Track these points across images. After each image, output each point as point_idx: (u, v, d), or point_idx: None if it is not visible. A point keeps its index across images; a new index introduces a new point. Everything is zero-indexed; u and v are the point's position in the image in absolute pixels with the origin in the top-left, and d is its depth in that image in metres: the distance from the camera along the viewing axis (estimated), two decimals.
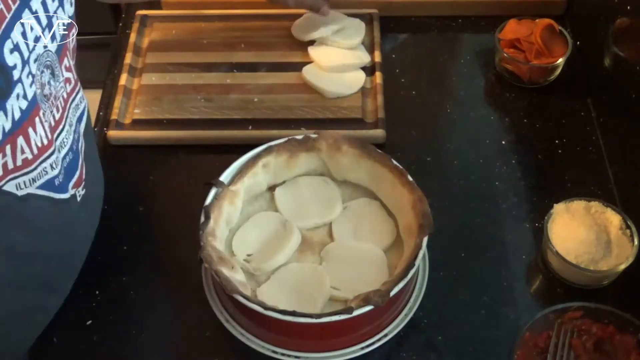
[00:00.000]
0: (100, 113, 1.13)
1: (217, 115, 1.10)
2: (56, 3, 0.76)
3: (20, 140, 0.71)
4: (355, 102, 1.12)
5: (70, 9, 0.80)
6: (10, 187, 0.73)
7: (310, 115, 1.10)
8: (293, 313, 0.79)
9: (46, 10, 0.74)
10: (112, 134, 1.08)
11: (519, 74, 1.14)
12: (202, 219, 0.86)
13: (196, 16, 1.25)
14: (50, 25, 0.75)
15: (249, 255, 0.90)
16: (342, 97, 1.12)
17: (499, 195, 1.03)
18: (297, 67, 1.16)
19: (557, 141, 1.09)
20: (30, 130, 0.72)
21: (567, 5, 1.25)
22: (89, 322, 0.90)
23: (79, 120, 0.86)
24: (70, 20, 0.79)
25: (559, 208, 0.94)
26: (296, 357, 0.85)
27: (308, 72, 1.15)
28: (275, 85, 1.14)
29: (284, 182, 0.97)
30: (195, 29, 1.23)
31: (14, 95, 0.68)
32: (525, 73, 1.13)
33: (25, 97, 0.70)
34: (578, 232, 0.92)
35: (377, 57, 1.17)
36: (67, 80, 0.81)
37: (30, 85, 0.71)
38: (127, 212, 1.01)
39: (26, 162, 0.73)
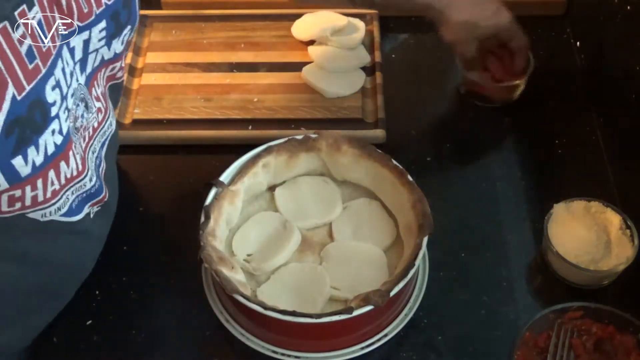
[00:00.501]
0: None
1: (217, 115, 1.10)
2: (102, 42, 0.76)
3: (52, 174, 0.71)
4: (355, 102, 1.12)
5: (119, 47, 0.80)
6: (35, 215, 0.73)
7: (310, 115, 1.10)
8: (293, 313, 0.79)
9: (86, 47, 0.73)
10: None
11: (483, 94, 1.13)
12: (202, 219, 0.86)
13: (196, 16, 1.25)
14: (84, 60, 0.74)
15: (249, 255, 0.90)
16: (342, 97, 1.12)
17: (499, 195, 1.03)
18: (297, 67, 1.16)
19: (557, 141, 1.09)
20: (63, 163, 0.72)
21: (567, 5, 1.25)
22: (89, 322, 0.90)
23: (102, 145, 0.86)
24: (110, 56, 0.79)
25: (559, 208, 0.94)
26: (296, 357, 0.85)
27: (308, 72, 1.15)
28: (275, 85, 1.14)
29: (284, 182, 0.97)
30: (195, 29, 1.23)
31: (48, 130, 0.68)
32: (492, 93, 1.12)
33: (60, 132, 0.70)
34: (578, 232, 0.92)
35: (377, 57, 1.17)
36: (99, 110, 0.81)
37: (66, 120, 0.71)
38: (127, 212, 1.01)
39: (54, 193, 0.73)
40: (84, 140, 0.78)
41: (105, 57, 0.79)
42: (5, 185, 0.65)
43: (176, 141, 1.08)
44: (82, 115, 0.76)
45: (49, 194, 0.72)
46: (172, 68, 1.17)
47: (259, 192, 0.95)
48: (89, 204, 0.83)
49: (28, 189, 0.69)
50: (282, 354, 0.85)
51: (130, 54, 1.17)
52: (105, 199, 0.86)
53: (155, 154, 1.08)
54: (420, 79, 1.18)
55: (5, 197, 0.67)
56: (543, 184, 1.05)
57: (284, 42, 1.21)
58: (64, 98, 0.70)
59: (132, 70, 1.16)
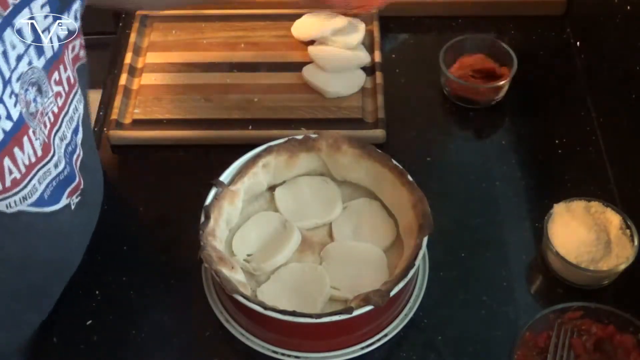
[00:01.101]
0: (100, 113, 1.13)
1: (217, 115, 1.10)
2: (49, 19, 0.73)
3: (7, 162, 0.69)
4: (355, 102, 1.12)
5: (73, 23, 0.77)
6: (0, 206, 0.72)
7: (310, 115, 1.10)
8: (293, 313, 0.79)
9: (34, 28, 0.71)
10: (112, 134, 1.08)
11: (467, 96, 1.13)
12: (202, 219, 0.86)
13: (196, 16, 1.25)
14: (38, 41, 0.72)
15: (249, 255, 0.90)
16: (342, 97, 1.12)
17: (499, 195, 1.03)
18: (297, 67, 1.16)
19: (557, 141, 1.09)
20: (16, 150, 0.70)
21: (567, 5, 1.25)
22: (89, 322, 0.90)
23: (75, 131, 0.84)
24: (65, 33, 0.76)
25: (559, 208, 0.94)
26: (296, 357, 0.85)
27: (308, 72, 1.15)
28: (275, 85, 1.14)
29: (284, 182, 0.97)
30: (195, 29, 1.23)
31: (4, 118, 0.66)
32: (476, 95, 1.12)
33: (9, 117, 0.68)
34: (578, 232, 0.92)
35: (377, 57, 1.17)
36: (58, 94, 0.77)
37: (15, 105, 0.69)
38: (127, 212, 1.01)
39: (15, 182, 0.71)
40: (45, 125, 0.75)
41: (61, 36, 0.75)
42: None
43: (176, 141, 1.08)
44: (35, 100, 0.72)
45: (8, 183, 0.70)
46: (172, 68, 1.17)
47: (259, 192, 0.95)
48: (66, 192, 0.82)
49: None
50: (282, 354, 0.85)
51: (130, 54, 1.17)
52: (81, 186, 0.85)
53: (155, 154, 1.08)
54: (420, 79, 1.18)
55: None
56: (543, 184, 1.05)
57: (284, 42, 1.21)
58: (6, 82, 0.67)
59: (132, 70, 1.16)
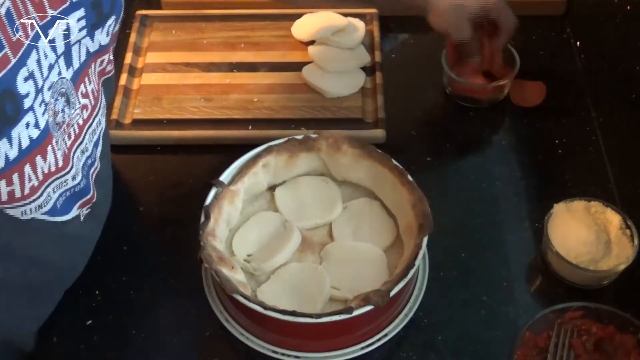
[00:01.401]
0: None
1: (217, 115, 1.10)
2: (83, 32, 0.74)
3: (28, 169, 0.69)
4: (355, 102, 1.12)
5: (105, 39, 0.77)
6: (15, 212, 0.72)
7: (310, 115, 1.10)
8: (293, 313, 0.79)
9: (66, 38, 0.71)
10: (112, 134, 1.08)
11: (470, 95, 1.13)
12: (202, 219, 0.86)
13: (196, 16, 1.25)
14: (68, 53, 0.72)
15: (249, 255, 0.90)
16: (342, 97, 1.12)
17: (499, 195, 1.03)
18: (297, 67, 1.16)
19: (557, 141, 1.09)
20: (39, 158, 0.71)
21: (567, 5, 1.25)
22: (89, 322, 0.90)
23: (96, 145, 0.84)
24: (96, 48, 0.77)
25: (559, 208, 0.94)
26: (296, 357, 0.85)
27: (308, 72, 1.15)
28: (275, 85, 1.14)
29: (284, 182, 0.97)
30: (195, 29, 1.23)
31: (22, 123, 0.66)
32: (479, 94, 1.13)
33: (37, 125, 0.68)
34: (578, 232, 0.92)
35: (377, 57, 1.17)
36: (84, 106, 0.79)
37: (43, 114, 0.69)
38: (127, 212, 1.01)
39: (33, 190, 0.72)
40: (70, 137, 0.76)
41: (90, 50, 0.76)
42: None
43: (176, 141, 1.08)
44: (63, 110, 0.73)
45: (27, 190, 0.71)
46: (172, 68, 1.17)
47: (259, 192, 0.95)
48: (78, 204, 0.82)
49: (3, 183, 0.67)
50: (282, 354, 0.85)
51: (130, 54, 1.17)
52: (94, 200, 0.85)
53: (155, 154, 1.08)
54: (420, 79, 1.18)
55: None
56: (543, 184, 1.05)
57: (284, 42, 1.21)
58: (39, 91, 0.68)
59: (132, 70, 1.16)
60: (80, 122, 0.78)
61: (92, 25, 0.75)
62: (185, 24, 1.24)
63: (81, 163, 0.81)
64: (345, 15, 1.21)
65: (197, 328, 0.90)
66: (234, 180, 0.92)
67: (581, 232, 0.92)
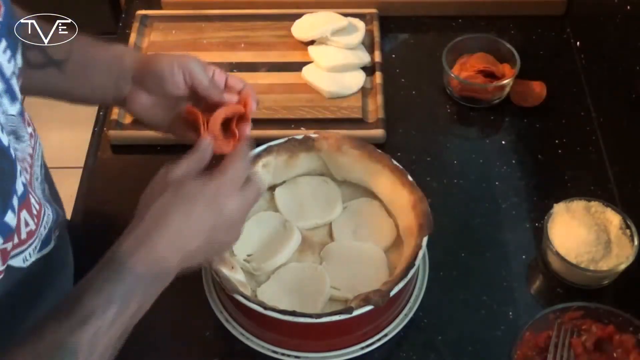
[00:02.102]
0: (100, 113, 1.13)
1: None
2: (12, 62, 0.70)
3: (24, 215, 0.68)
4: (355, 102, 1.12)
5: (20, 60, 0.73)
6: (17, 262, 0.71)
7: (310, 115, 1.10)
8: (293, 313, 0.79)
9: (3, 76, 0.68)
10: (112, 134, 1.08)
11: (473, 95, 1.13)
12: None
13: (196, 16, 1.25)
14: (9, 88, 0.69)
15: (249, 255, 0.90)
16: (342, 97, 1.12)
17: (499, 195, 1.03)
18: (297, 67, 1.16)
19: (557, 141, 1.09)
20: (31, 200, 0.70)
21: (567, 5, 1.25)
22: None
23: (41, 167, 0.80)
24: (20, 66, 0.72)
25: (559, 208, 0.94)
26: (296, 357, 0.85)
27: (308, 72, 1.15)
28: (275, 85, 1.14)
29: (284, 182, 0.97)
30: (195, 29, 1.23)
31: (18, 172, 0.65)
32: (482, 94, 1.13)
33: (21, 173, 0.67)
34: (578, 232, 0.92)
35: (377, 57, 1.17)
36: (30, 135, 0.75)
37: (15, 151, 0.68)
38: (127, 212, 1.01)
39: (30, 234, 0.71)
40: (27, 171, 0.73)
41: (18, 73, 0.72)
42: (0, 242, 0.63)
43: (176, 141, 1.08)
44: (14, 149, 0.69)
45: (24, 235, 0.69)
46: None
47: None
48: (55, 229, 0.80)
49: (15, 237, 0.67)
50: (282, 354, 0.85)
51: None
52: (62, 218, 0.83)
53: (155, 154, 1.08)
54: (420, 79, 1.18)
55: None
56: (543, 184, 1.05)
57: (284, 42, 1.21)
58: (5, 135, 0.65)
59: None
60: (30, 151, 0.75)
61: (14, 49, 0.71)
62: (185, 24, 1.24)
63: (40, 192, 0.78)
64: (345, 15, 1.21)
65: (197, 328, 0.90)
66: None
67: (581, 232, 0.92)
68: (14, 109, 0.70)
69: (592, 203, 0.94)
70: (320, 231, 0.94)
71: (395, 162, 0.93)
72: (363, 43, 1.20)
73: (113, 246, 0.66)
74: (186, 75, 0.80)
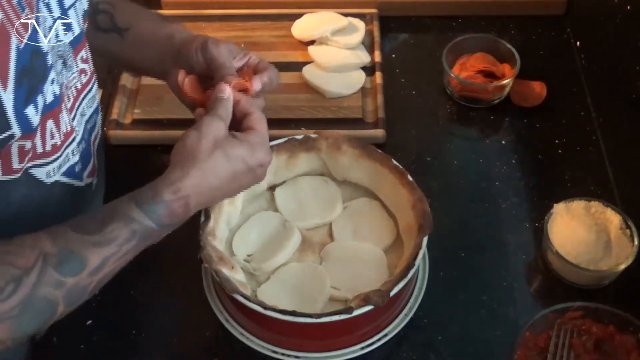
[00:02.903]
0: (101, 113, 1.13)
1: None
2: None
3: (51, 124, 0.72)
4: (355, 102, 1.12)
5: (85, 3, 0.80)
6: (40, 174, 0.74)
7: (310, 115, 1.10)
8: (293, 313, 0.79)
9: (60, 3, 0.74)
10: (112, 134, 1.08)
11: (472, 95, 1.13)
12: (202, 219, 0.86)
13: (196, 16, 1.25)
14: (64, 17, 0.74)
15: (249, 255, 0.90)
16: (342, 97, 1.12)
17: (499, 195, 1.03)
18: (297, 67, 1.16)
19: (557, 141, 1.09)
20: (60, 115, 0.74)
21: (567, 5, 1.25)
22: (89, 322, 0.90)
23: (96, 111, 0.86)
24: (85, 8, 0.79)
25: (559, 208, 0.94)
26: (296, 357, 0.85)
27: (308, 72, 1.15)
28: None
29: (284, 182, 0.97)
30: (195, 29, 1.23)
31: (49, 80, 0.69)
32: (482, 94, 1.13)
33: (57, 82, 0.72)
34: (578, 232, 0.92)
35: (377, 57, 1.17)
36: (82, 71, 0.81)
37: (61, 70, 0.73)
38: None
39: (55, 148, 0.74)
40: (69, 99, 0.78)
41: (83, 10, 0.79)
42: (18, 134, 0.66)
43: (176, 141, 1.08)
44: (61, 73, 0.75)
45: (48, 147, 0.73)
46: None
47: (259, 192, 0.95)
48: (87, 171, 0.84)
49: (37, 139, 0.71)
50: (282, 354, 0.85)
51: None
52: (97, 169, 0.87)
53: (155, 154, 1.08)
54: (420, 79, 1.18)
55: (15, 147, 0.69)
56: (543, 184, 1.05)
57: (284, 42, 1.21)
58: (50, 49, 0.71)
59: None
60: (79, 85, 0.80)
61: None
62: (185, 24, 1.23)
63: (82, 126, 0.82)
64: (345, 15, 1.22)
65: (197, 328, 0.90)
66: None
67: (581, 232, 0.92)
68: (66, 38, 0.75)
69: (592, 203, 0.94)
70: (320, 231, 0.94)
71: (395, 162, 0.93)
72: (363, 43, 1.20)
73: (154, 187, 0.72)
74: (206, 57, 0.85)
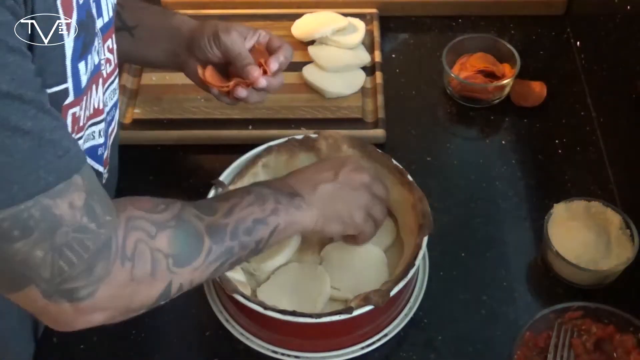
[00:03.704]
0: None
1: (217, 115, 1.10)
2: None
3: (89, 95, 0.74)
4: (355, 102, 1.12)
5: None
6: None
7: (310, 115, 1.10)
8: (293, 313, 0.79)
9: None
10: None
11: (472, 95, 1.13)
12: None
13: (196, 16, 1.23)
14: (98, 2, 0.76)
15: None
16: (342, 97, 1.12)
17: (499, 195, 1.03)
18: (297, 67, 1.15)
19: (557, 141, 1.09)
20: (94, 87, 0.75)
21: (567, 5, 1.25)
22: None
23: (115, 105, 0.87)
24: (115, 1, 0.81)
25: (559, 208, 0.94)
26: (296, 357, 0.85)
27: (308, 72, 1.15)
28: None
29: None
30: None
31: (95, 44, 0.72)
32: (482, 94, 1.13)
33: (97, 52, 0.74)
34: (578, 232, 0.92)
35: (377, 57, 1.17)
36: (108, 60, 0.81)
37: (98, 45, 0.74)
38: None
39: (86, 120, 0.75)
40: (96, 83, 0.79)
41: (114, 3, 0.80)
42: (71, 95, 0.68)
43: (176, 141, 1.08)
44: (98, 52, 0.76)
45: (84, 119, 0.74)
46: None
47: None
48: (103, 160, 0.84)
49: (82, 106, 0.72)
50: (282, 354, 0.85)
51: None
52: (109, 162, 0.87)
53: (155, 154, 1.08)
54: (420, 79, 1.18)
55: (70, 116, 0.70)
56: (543, 184, 1.05)
57: None
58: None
59: (132, 70, 1.16)
60: (104, 74, 0.81)
61: None
62: None
63: (104, 115, 0.83)
64: (345, 15, 1.21)
65: (197, 328, 0.90)
66: (234, 180, 0.91)
67: (581, 232, 0.92)
68: (98, 23, 0.76)
69: (592, 203, 0.94)
70: None
71: (395, 162, 0.93)
72: (363, 43, 1.20)
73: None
74: (220, 48, 0.89)
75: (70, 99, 0.68)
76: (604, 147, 1.08)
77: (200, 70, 0.90)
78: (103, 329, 0.89)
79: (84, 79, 0.70)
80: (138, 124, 1.09)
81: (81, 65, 0.69)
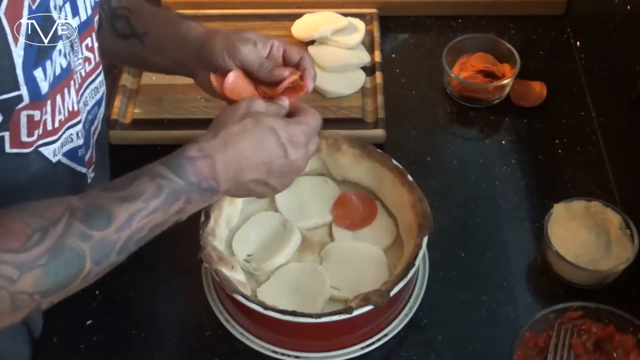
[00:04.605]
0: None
1: None
2: None
3: (59, 100, 0.73)
4: (355, 102, 1.12)
5: None
6: (48, 152, 0.75)
7: None
8: (293, 313, 0.79)
9: None
10: (112, 134, 1.08)
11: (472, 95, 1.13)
12: (202, 218, 0.86)
13: (196, 16, 1.24)
14: (72, 3, 0.75)
15: (249, 255, 0.90)
16: (342, 97, 1.12)
17: (499, 195, 1.03)
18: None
19: (557, 141, 1.09)
20: (66, 91, 0.74)
21: (567, 5, 1.25)
22: (89, 322, 0.90)
23: (98, 104, 0.86)
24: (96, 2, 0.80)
25: (559, 208, 0.94)
26: (296, 357, 0.85)
27: None
28: None
29: None
30: None
31: (57, 48, 0.70)
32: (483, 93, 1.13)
33: (65, 55, 0.72)
34: (578, 232, 0.92)
35: (377, 57, 1.17)
36: (87, 59, 0.81)
37: (67, 47, 0.73)
38: None
39: (61, 124, 0.75)
40: (75, 83, 0.78)
41: (92, 3, 0.79)
42: (26, 98, 0.66)
43: (176, 141, 1.07)
44: (68, 54, 0.75)
45: (57, 123, 0.73)
46: None
47: None
48: (86, 161, 0.84)
49: (46, 110, 0.71)
50: (282, 354, 0.85)
51: None
52: (94, 161, 0.87)
53: (155, 154, 1.07)
54: (420, 79, 1.18)
55: (24, 117, 0.68)
56: (543, 184, 1.05)
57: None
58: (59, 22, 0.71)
59: (132, 70, 1.16)
60: (83, 73, 0.80)
61: None
62: None
63: (84, 114, 0.82)
64: (345, 15, 1.21)
65: (197, 328, 0.90)
66: None
67: (581, 232, 0.92)
68: (74, 22, 0.76)
69: (592, 203, 0.94)
70: (320, 231, 0.94)
71: (395, 162, 0.93)
72: (363, 43, 1.20)
73: (180, 149, 0.73)
74: (236, 61, 0.85)
75: (25, 102, 0.67)
76: (604, 147, 1.08)
77: (213, 78, 0.85)
78: (103, 329, 0.90)
79: (44, 85, 0.68)
80: (138, 124, 1.09)
81: (37, 72, 0.67)
